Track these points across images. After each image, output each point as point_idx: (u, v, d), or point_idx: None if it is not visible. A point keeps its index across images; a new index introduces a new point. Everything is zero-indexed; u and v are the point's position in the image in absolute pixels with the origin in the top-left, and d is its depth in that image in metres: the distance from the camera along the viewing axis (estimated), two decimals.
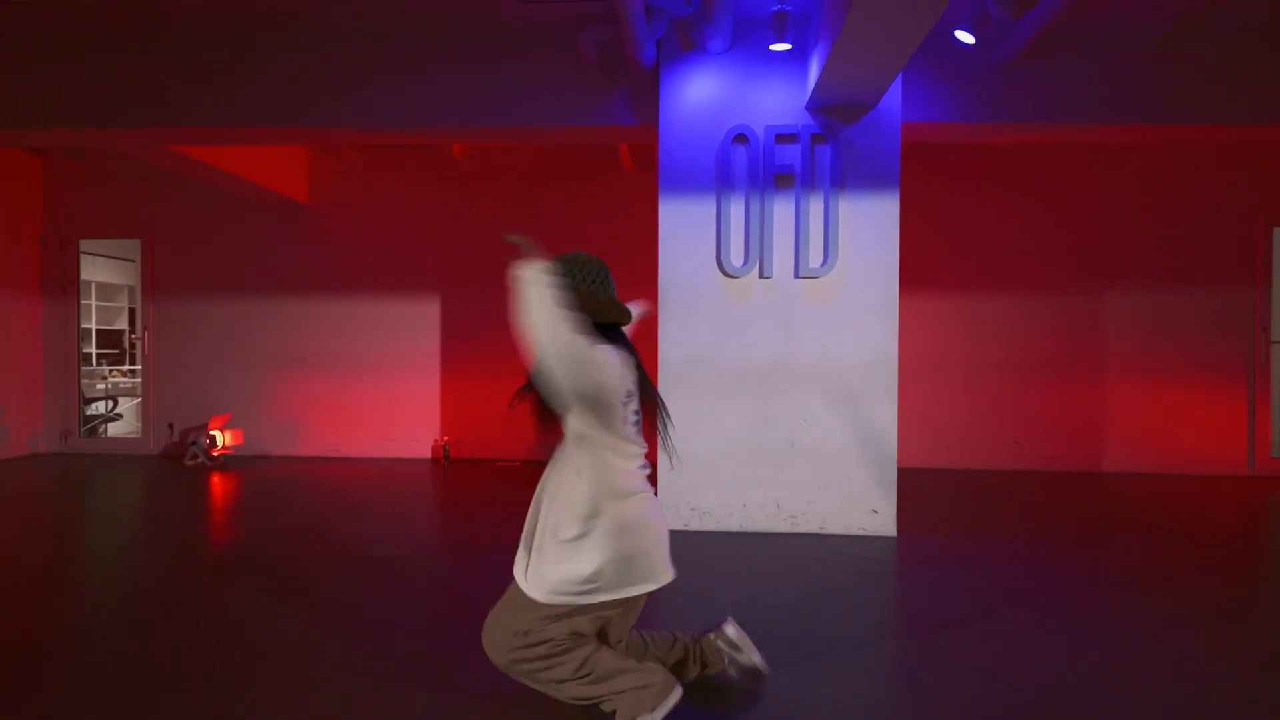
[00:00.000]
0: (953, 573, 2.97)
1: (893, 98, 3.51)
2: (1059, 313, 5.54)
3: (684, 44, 3.61)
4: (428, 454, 5.97)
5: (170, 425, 6.06)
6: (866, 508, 3.56)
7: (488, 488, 4.80)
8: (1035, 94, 3.74)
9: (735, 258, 3.61)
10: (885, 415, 3.55)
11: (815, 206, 3.56)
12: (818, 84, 3.30)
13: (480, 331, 5.89)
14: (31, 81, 4.08)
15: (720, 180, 3.60)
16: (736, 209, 3.60)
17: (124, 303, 8.51)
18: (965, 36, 3.32)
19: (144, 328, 6.15)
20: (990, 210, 5.58)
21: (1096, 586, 2.80)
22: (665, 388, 3.65)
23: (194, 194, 6.00)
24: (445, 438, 5.88)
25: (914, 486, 4.60)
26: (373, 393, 6.01)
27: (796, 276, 3.58)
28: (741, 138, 3.58)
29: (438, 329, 5.96)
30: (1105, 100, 3.74)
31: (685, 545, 3.36)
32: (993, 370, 5.57)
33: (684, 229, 3.64)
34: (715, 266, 3.63)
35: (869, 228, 3.54)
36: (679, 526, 3.64)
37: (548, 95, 3.92)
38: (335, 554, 3.21)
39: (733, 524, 3.63)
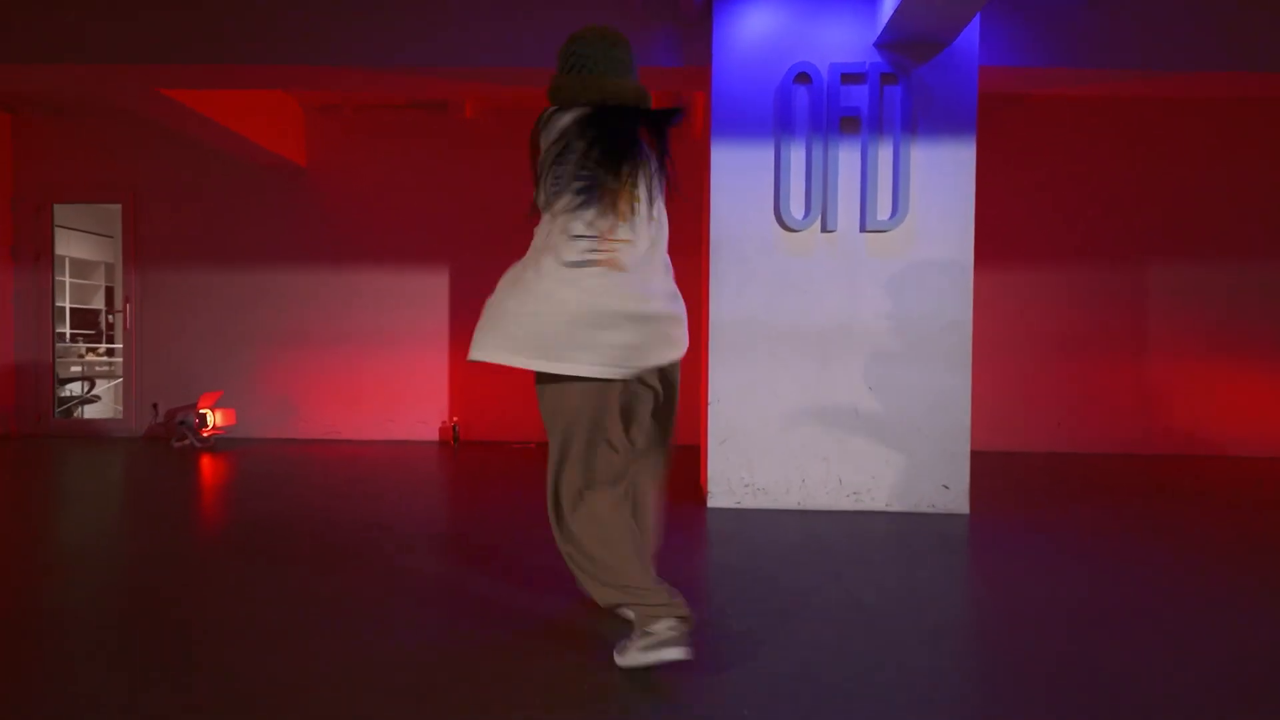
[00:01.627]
0: (1042, 554, 2.68)
1: (970, 35, 3.21)
2: (1101, 287, 5.29)
3: None
4: (435, 436, 5.58)
5: (155, 405, 5.61)
6: (936, 483, 3.26)
7: (501, 471, 4.43)
8: (1121, 36, 3.46)
9: (795, 209, 3.29)
10: (958, 382, 3.25)
11: (884, 154, 3.25)
12: (892, 16, 2.99)
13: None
14: None
15: (779, 124, 3.27)
16: (797, 156, 3.28)
17: (100, 280, 8.00)
18: None
19: (125, 300, 5.69)
20: (1028, 176, 5.31)
21: (1200, 569, 2.52)
22: (716, 352, 3.32)
23: (180, 154, 5.55)
24: (455, 418, 5.50)
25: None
26: (377, 371, 5.61)
27: (862, 230, 3.26)
28: (804, 77, 3.26)
29: (446, 303, 5.58)
30: (1195, 46, 3.46)
31: (740, 525, 3.04)
32: (1032, 347, 5.31)
33: (738, 178, 3.31)
34: (773, 219, 3.30)
35: (942, 178, 3.24)
36: (731, 504, 3.32)
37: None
38: (339, 538, 2.84)
39: (790, 501, 3.31)
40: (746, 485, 3.32)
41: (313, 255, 5.60)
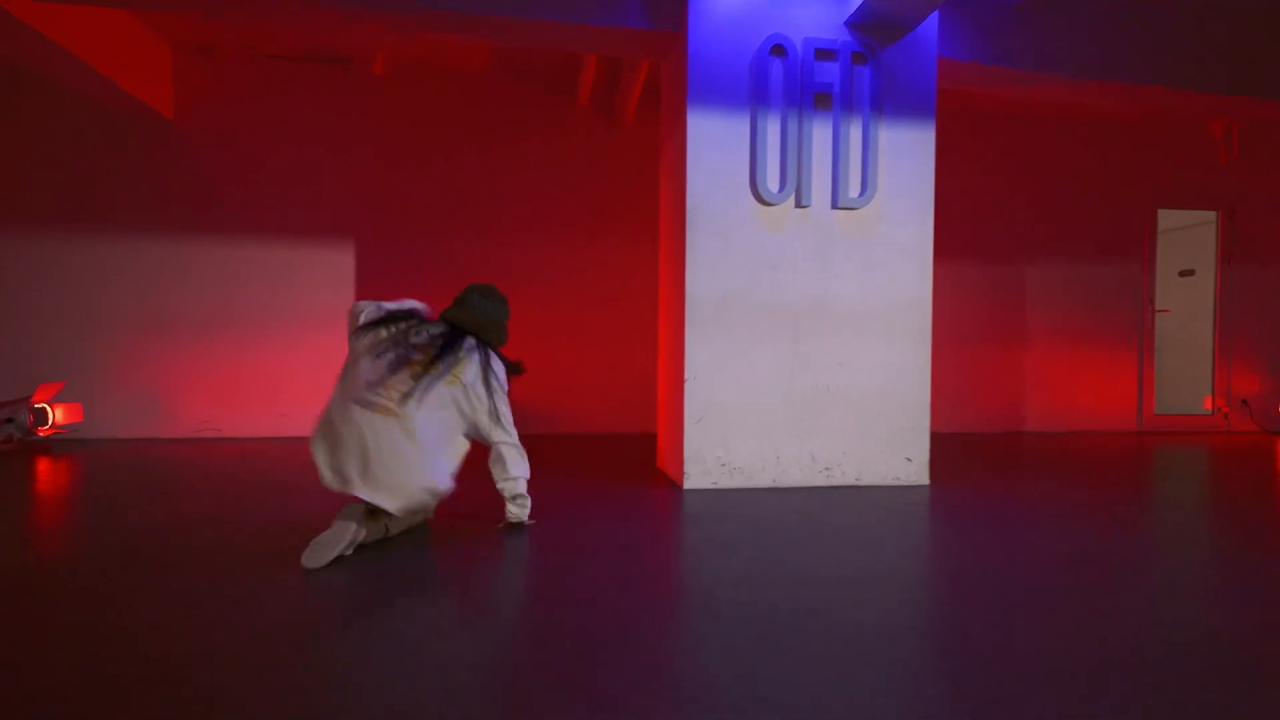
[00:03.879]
0: (1006, 522, 2.83)
1: (930, 23, 3.34)
2: (990, 281, 5.81)
3: None
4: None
5: None
6: (901, 456, 3.36)
7: None
8: (1044, 41, 3.77)
9: (771, 182, 3.24)
10: (919, 359, 3.37)
11: (854, 132, 3.29)
12: None
13: (404, 284, 5.01)
14: None
15: (755, 95, 3.22)
16: (773, 129, 3.24)
17: None
18: None
19: None
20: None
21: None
22: (694, 326, 3.20)
23: (14, 94, 4.52)
24: None
25: None
26: (265, 360, 4.91)
27: (834, 207, 3.29)
28: (779, 49, 3.22)
29: (351, 282, 5.00)
30: (1104, 55, 3.85)
31: (721, 505, 2.94)
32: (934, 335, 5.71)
33: (715, 148, 3.21)
34: (750, 192, 3.24)
35: (906, 160, 3.34)
36: (707, 485, 3.21)
37: None
38: (205, 549, 2.40)
39: (765, 479, 3.26)
40: (723, 465, 3.23)
41: (185, 225, 4.79)
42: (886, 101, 3.32)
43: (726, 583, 1.92)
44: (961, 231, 5.69)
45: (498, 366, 2.40)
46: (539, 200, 5.24)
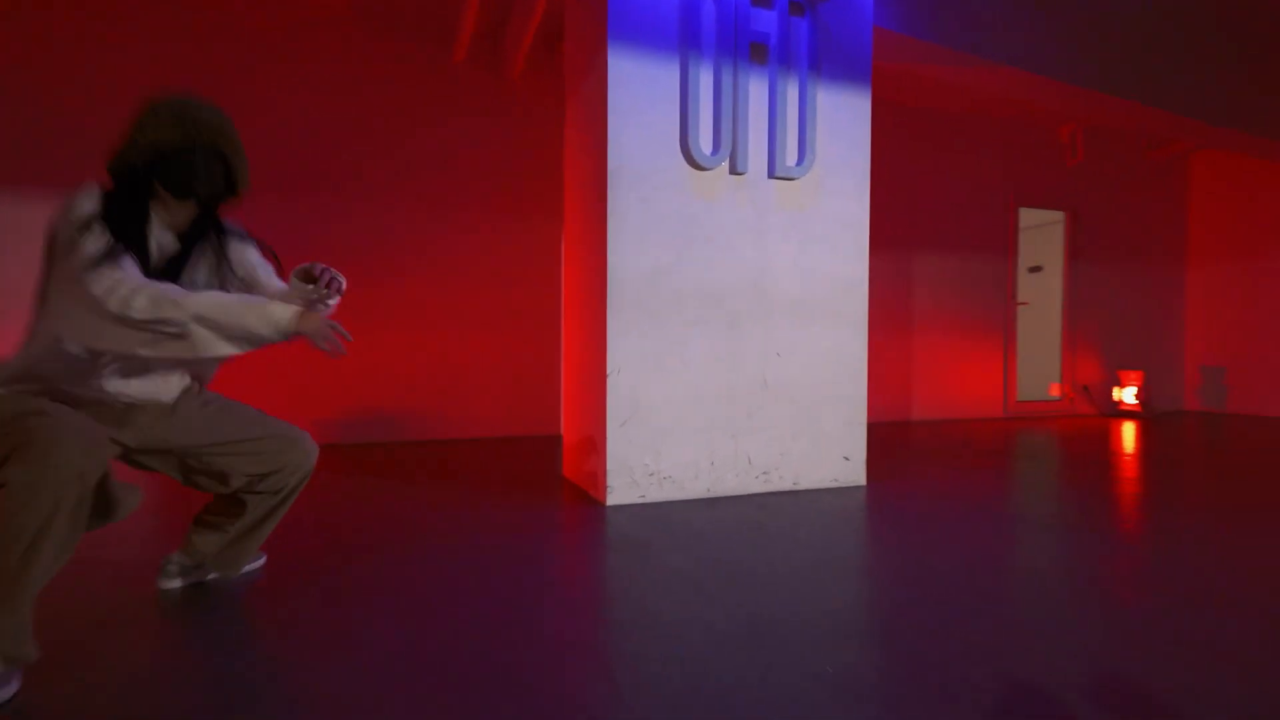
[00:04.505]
0: (932, 519, 2.61)
1: None
2: (882, 270, 5.81)
3: None
4: None
5: None
6: (838, 454, 3.05)
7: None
8: (979, 23, 3.63)
9: (704, 143, 2.78)
10: (856, 347, 3.08)
11: (791, 91, 2.92)
12: None
13: None
14: None
15: (686, 39, 2.74)
16: (705, 80, 2.78)
17: None
18: None
19: None
20: None
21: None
22: (616, 311, 2.66)
23: None
24: None
25: None
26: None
27: (770, 176, 2.90)
28: None
29: None
30: (1036, 46, 3.80)
31: (652, 526, 2.45)
32: None
33: (641, 99, 2.69)
34: (679, 152, 2.75)
35: (844, 126, 3.03)
36: (635, 499, 2.70)
37: None
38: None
39: (699, 488, 2.81)
40: (651, 474, 2.73)
41: None
42: (824, 61, 2.98)
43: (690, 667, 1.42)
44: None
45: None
46: (413, 167, 4.43)
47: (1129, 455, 4.07)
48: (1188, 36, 4.53)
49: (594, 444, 2.79)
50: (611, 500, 2.67)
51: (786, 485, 2.96)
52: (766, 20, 2.87)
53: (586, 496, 2.83)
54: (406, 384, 4.44)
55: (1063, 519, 2.52)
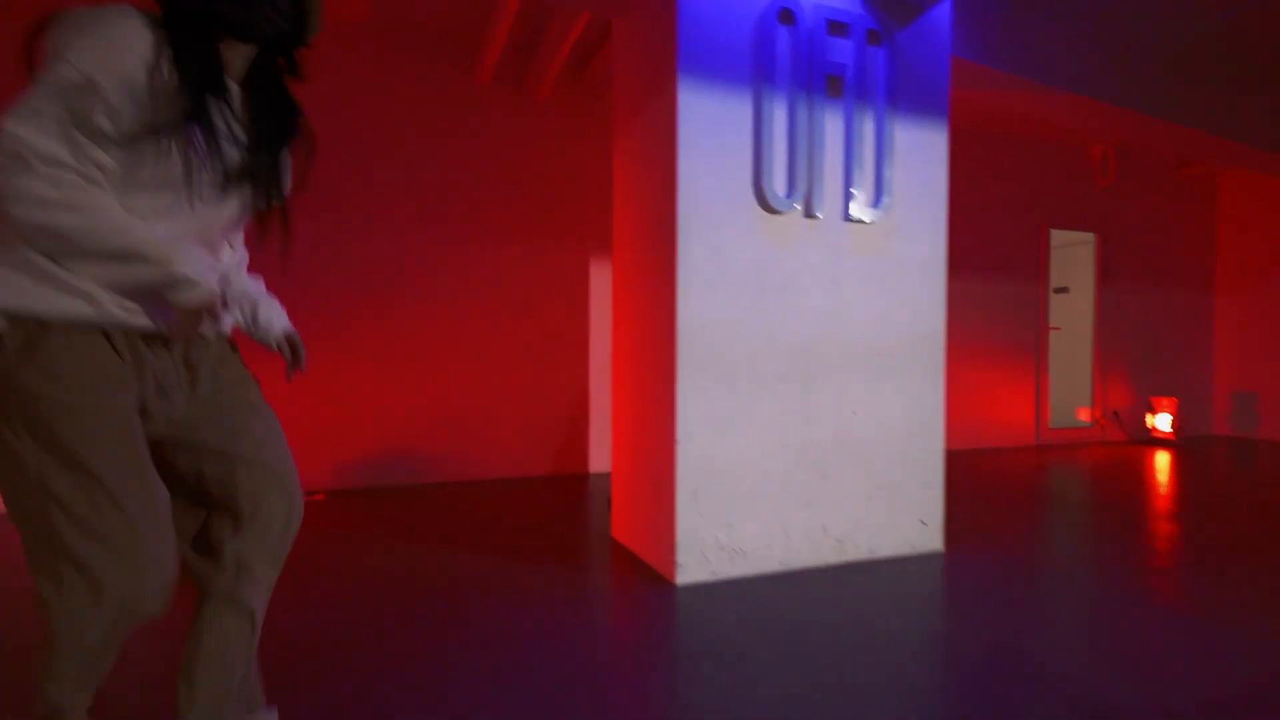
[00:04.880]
0: (1017, 588, 2.38)
1: (943, 9, 2.83)
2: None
3: None
4: None
5: None
6: (914, 519, 2.82)
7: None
8: (1053, 51, 3.42)
9: (778, 184, 2.55)
10: (933, 400, 2.85)
11: (868, 127, 2.69)
12: None
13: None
14: None
15: (759, 71, 2.50)
16: (780, 116, 2.54)
17: None
18: None
19: None
20: None
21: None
22: (687, 370, 2.42)
23: None
24: None
25: None
26: None
27: (845, 219, 2.66)
28: (787, 16, 2.53)
29: None
30: (1084, 70, 3.59)
31: (724, 604, 2.21)
32: None
33: (712, 137, 2.45)
34: (752, 195, 2.52)
35: (919, 164, 2.80)
36: (705, 577, 2.45)
37: None
38: None
39: (772, 562, 2.56)
40: (722, 548, 2.48)
41: None
42: (901, 93, 2.75)
43: None
44: None
45: None
46: (429, 190, 4.17)
47: (1197, 494, 3.87)
48: (1234, 59, 4.35)
49: (658, 514, 2.54)
50: (681, 579, 2.42)
51: (862, 554, 2.72)
52: (843, 50, 2.63)
53: (648, 570, 2.58)
54: (424, 420, 4.17)
55: (1172, 597, 2.30)
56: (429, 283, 4.16)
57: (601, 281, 4.61)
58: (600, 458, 4.62)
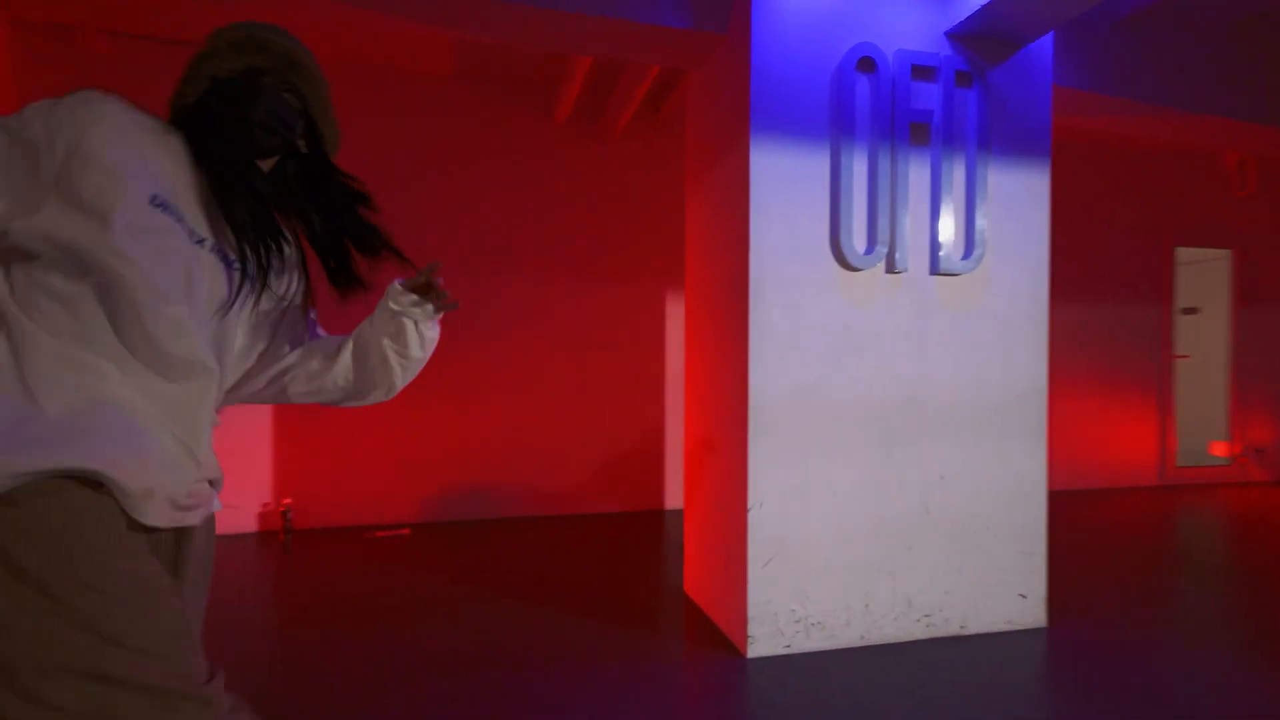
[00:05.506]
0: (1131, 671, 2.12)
1: (1045, 42, 2.62)
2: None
3: None
4: (255, 526, 3.88)
5: None
6: (1012, 591, 2.61)
7: (357, 574, 3.02)
8: (1152, 68, 3.12)
9: (857, 241, 2.44)
10: (1034, 464, 2.63)
11: (958, 174, 2.53)
12: (988, 1, 2.28)
13: (335, 322, 3.96)
14: None
15: (837, 123, 2.40)
16: (859, 169, 2.43)
17: None
18: None
19: None
20: None
21: None
22: (759, 438, 2.35)
23: None
24: (285, 500, 3.85)
25: None
26: None
27: (933, 272, 2.51)
28: (867, 64, 2.42)
29: None
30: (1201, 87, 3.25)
31: (798, 681, 2.11)
32: None
33: (786, 194, 2.38)
34: (829, 253, 2.42)
35: (1017, 210, 2.61)
36: (779, 650, 2.37)
37: None
38: None
39: (852, 636, 2.44)
40: (798, 620, 2.39)
41: None
42: (995, 135, 2.57)
43: None
44: None
45: None
46: (507, 229, 4.28)
47: None
48: None
49: (729, 582, 2.48)
50: (753, 652, 2.35)
51: (952, 629, 2.54)
52: (929, 95, 2.49)
53: (719, 636, 2.52)
54: (503, 456, 4.28)
55: None
56: (507, 320, 4.28)
57: (676, 315, 4.58)
58: (675, 494, 4.59)
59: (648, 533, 3.99)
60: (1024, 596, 2.62)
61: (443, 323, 1.27)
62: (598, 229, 4.42)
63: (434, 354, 1.23)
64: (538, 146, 4.31)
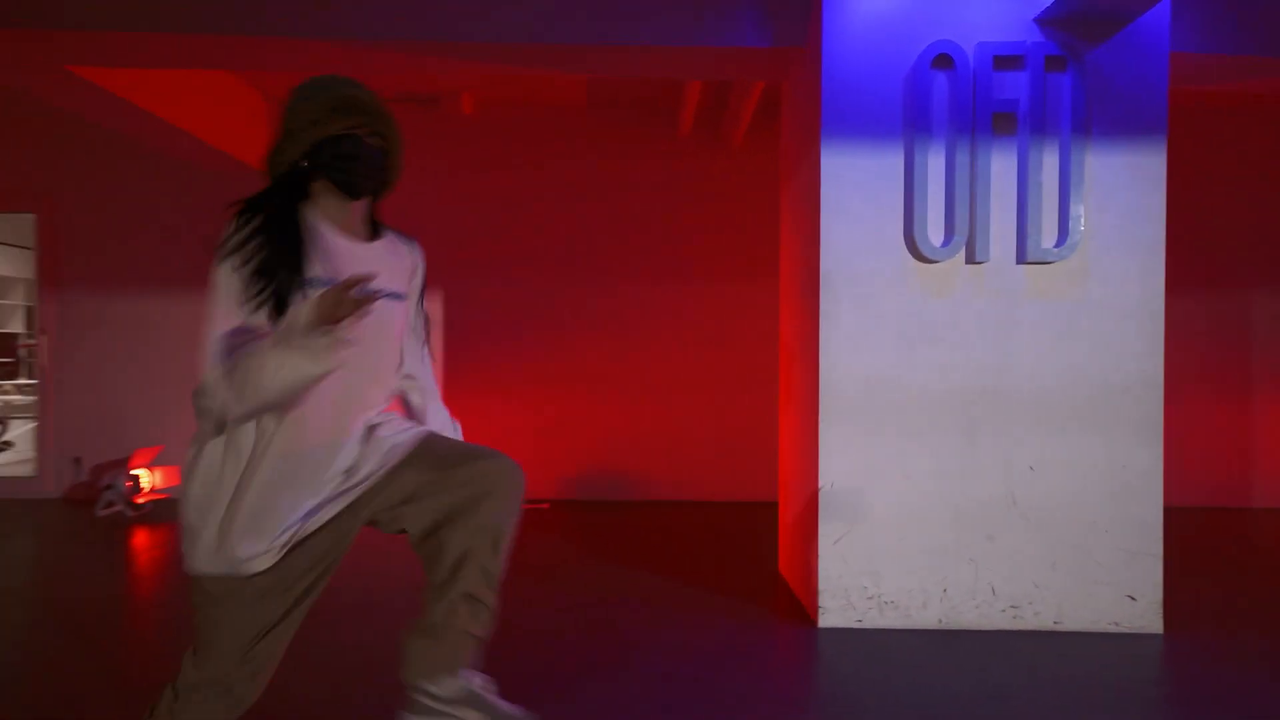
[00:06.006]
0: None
1: (1160, 11, 2.47)
2: (1200, 316, 4.63)
3: None
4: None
5: (77, 460, 4.58)
6: (1119, 592, 2.49)
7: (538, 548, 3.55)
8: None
9: (933, 233, 2.50)
10: (1146, 459, 2.49)
11: (1049, 160, 2.48)
12: None
13: (494, 334, 4.64)
14: None
15: (911, 122, 2.49)
16: (935, 163, 2.49)
17: (19, 299, 6.88)
18: None
19: (40, 330, 4.64)
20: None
21: None
22: (829, 423, 2.50)
23: (109, 152, 4.54)
24: None
25: None
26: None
27: (1020, 261, 2.49)
28: (944, 60, 2.47)
29: (439, 330, 4.67)
30: None
31: (864, 649, 2.23)
32: None
33: (857, 191, 2.51)
34: (903, 245, 2.51)
35: (1124, 194, 2.49)
36: (851, 623, 2.50)
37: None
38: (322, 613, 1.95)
39: (928, 618, 2.50)
40: (870, 597, 2.51)
41: None
42: (1095, 118, 2.48)
43: None
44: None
45: None
46: (641, 237, 4.70)
47: None
48: None
49: (806, 556, 2.65)
50: (824, 623, 2.50)
51: (1045, 624, 2.49)
52: (1014, 84, 2.47)
53: (799, 608, 2.70)
54: (631, 443, 4.68)
55: None
56: (636, 319, 4.69)
57: None
58: None
59: (761, 520, 4.18)
60: (1133, 599, 2.48)
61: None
62: (720, 231, 4.69)
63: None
64: (664, 157, 4.68)
